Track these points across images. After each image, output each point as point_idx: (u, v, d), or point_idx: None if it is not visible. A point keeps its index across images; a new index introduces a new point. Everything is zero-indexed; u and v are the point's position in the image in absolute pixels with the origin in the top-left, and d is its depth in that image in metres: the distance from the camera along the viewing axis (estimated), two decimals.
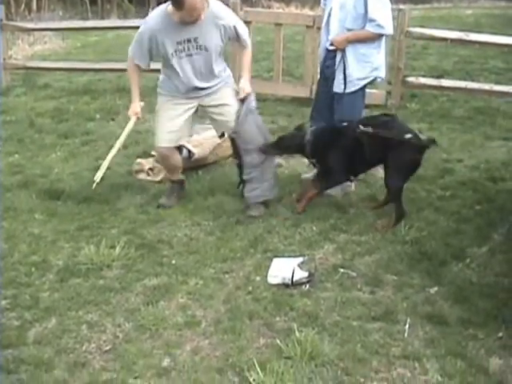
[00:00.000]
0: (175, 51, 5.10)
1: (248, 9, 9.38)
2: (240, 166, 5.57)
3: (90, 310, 4.05)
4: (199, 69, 5.23)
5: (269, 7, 23.90)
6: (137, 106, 5.41)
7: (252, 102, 5.30)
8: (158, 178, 6.10)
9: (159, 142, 5.48)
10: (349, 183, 5.61)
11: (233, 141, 5.57)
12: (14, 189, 6.02)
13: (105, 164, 5.49)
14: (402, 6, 8.96)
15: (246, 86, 5.29)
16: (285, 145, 5.39)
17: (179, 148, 6.18)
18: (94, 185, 5.42)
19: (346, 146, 5.20)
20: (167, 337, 3.78)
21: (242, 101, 5.28)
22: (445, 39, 9.13)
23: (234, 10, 9.01)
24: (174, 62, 5.16)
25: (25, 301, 4.17)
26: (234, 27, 5.19)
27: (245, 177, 5.48)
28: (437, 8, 24.85)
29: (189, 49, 5.12)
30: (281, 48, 9.16)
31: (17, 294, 4.25)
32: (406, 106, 8.88)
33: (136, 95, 5.41)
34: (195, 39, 5.08)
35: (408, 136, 4.99)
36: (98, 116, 8.60)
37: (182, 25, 4.99)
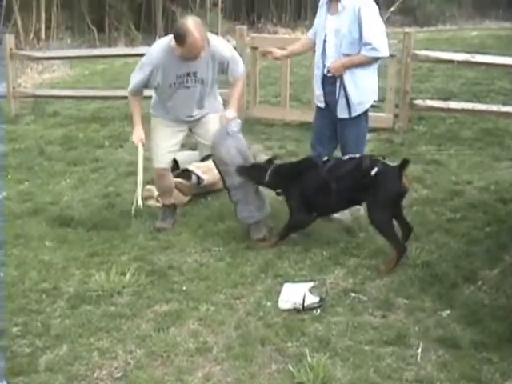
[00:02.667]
0: (174, 83, 5.22)
1: (254, 35, 9.42)
2: (227, 188, 5.58)
3: (101, 337, 4.04)
4: (193, 99, 5.35)
5: (275, 33, 24.07)
6: (140, 131, 5.48)
7: (232, 127, 5.30)
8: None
9: (157, 163, 5.57)
10: (358, 206, 5.58)
11: (215, 164, 5.60)
12: (25, 216, 6.05)
13: (138, 193, 5.52)
14: (407, 29, 8.98)
15: (228, 112, 5.34)
16: (250, 173, 5.38)
17: (188, 174, 6.23)
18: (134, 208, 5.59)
19: (306, 184, 5.19)
20: (179, 363, 3.76)
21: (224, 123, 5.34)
22: (451, 61, 9.14)
23: (241, 36, 9.12)
24: (170, 91, 5.29)
25: (36, 328, 4.16)
26: (228, 62, 5.29)
27: (232, 199, 5.52)
28: (442, 30, 24.98)
29: (187, 81, 5.23)
30: (288, 73, 9.21)
31: (28, 321, 4.24)
32: (413, 128, 8.89)
33: (138, 121, 5.49)
34: (194, 73, 5.20)
35: (374, 171, 4.87)
36: (106, 143, 8.64)
37: (184, 59, 5.08)
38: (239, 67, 5.42)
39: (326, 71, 5.48)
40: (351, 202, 5.28)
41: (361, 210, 5.61)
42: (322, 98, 5.64)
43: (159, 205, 6.05)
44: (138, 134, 5.49)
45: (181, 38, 4.88)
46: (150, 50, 5.30)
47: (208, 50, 5.09)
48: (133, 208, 5.58)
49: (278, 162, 5.61)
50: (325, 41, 5.45)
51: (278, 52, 5.91)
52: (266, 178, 5.33)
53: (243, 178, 5.35)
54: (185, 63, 5.11)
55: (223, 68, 5.31)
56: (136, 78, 5.31)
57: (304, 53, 6.31)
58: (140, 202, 5.50)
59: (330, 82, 5.49)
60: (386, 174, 4.88)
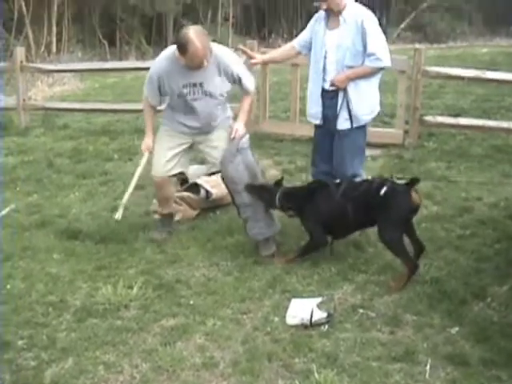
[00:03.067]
0: (181, 93, 5.23)
1: (265, 49, 9.42)
2: (236, 205, 5.55)
3: (107, 351, 4.02)
4: (201, 112, 5.34)
5: None
6: (150, 141, 5.56)
7: (243, 143, 5.31)
8: (176, 219, 6.08)
9: (154, 171, 5.60)
10: None
11: (224, 181, 5.57)
12: (32, 228, 6.04)
13: (124, 201, 5.59)
14: (417, 46, 8.97)
15: (239, 126, 5.36)
16: (259, 195, 5.37)
17: (197, 188, 6.22)
18: (116, 219, 5.56)
19: (322, 206, 5.18)
20: (185, 378, 3.74)
21: (232, 140, 5.32)
22: (461, 78, 9.13)
23: (251, 51, 9.11)
24: (180, 102, 5.32)
25: (42, 341, 4.14)
26: (238, 75, 5.29)
27: (241, 216, 5.48)
28: (452, 47, 24.99)
29: (194, 93, 5.23)
30: (298, 88, 9.21)
31: (33, 334, 4.23)
32: (423, 144, 8.85)
33: (150, 130, 5.58)
34: (201, 84, 5.20)
35: (383, 191, 4.87)
36: (116, 156, 8.66)
37: (189, 69, 5.09)
38: (249, 82, 5.43)
39: (327, 86, 5.46)
40: (365, 224, 5.24)
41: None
42: (320, 115, 5.60)
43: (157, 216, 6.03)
44: (146, 143, 5.58)
45: (182, 47, 4.90)
46: (156, 60, 5.35)
47: (213, 61, 5.10)
48: (117, 215, 5.57)
49: (285, 182, 5.61)
50: (325, 57, 5.43)
51: (257, 57, 5.88)
52: (277, 202, 5.32)
53: (253, 197, 5.34)
54: (190, 73, 5.12)
55: (234, 80, 5.31)
56: (147, 88, 5.40)
57: (284, 61, 6.34)
58: (120, 213, 5.54)
59: (330, 96, 5.47)
60: (395, 193, 4.87)
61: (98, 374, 3.80)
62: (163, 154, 5.52)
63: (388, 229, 4.92)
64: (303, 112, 9.82)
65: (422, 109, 9.11)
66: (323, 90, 5.51)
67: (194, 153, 5.89)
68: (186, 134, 5.51)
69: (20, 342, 4.13)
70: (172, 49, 5.18)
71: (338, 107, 5.42)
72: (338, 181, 5.29)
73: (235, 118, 5.55)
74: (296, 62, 9.12)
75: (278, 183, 5.50)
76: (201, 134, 5.50)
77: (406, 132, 8.81)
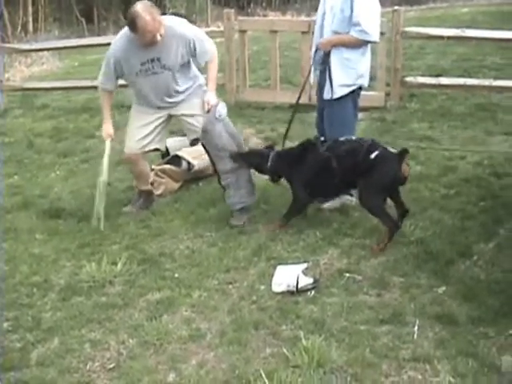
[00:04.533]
0: (140, 71, 5.21)
1: (242, 18, 9.32)
2: (217, 173, 5.54)
3: (93, 329, 3.99)
4: (164, 86, 5.35)
5: (264, 16, 23.96)
6: (109, 127, 5.54)
7: (219, 111, 5.25)
8: (159, 192, 6.04)
9: (126, 148, 5.61)
10: (349, 197, 5.50)
11: (205, 148, 5.54)
12: (14, 210, 5.98)
13: (101, 208, 5.44)
14: (396, 7, 8.88)
15: (210, 98, 5.29)
16: (249, 160, 5.35)
17: (179, 160, 6.17)
18: (102, 225, 5.41)
19: (309, 168, 5.11)
20: (172, 351, 3.72)
21: (209, 112, 5.26)
22: (441, 37, 9.06)
23: (228, 20, 9.02)
24: (139, 80, 5.29)
25: (27, 322, 4.11)
26: (194, 43, 5.23)
27: (222, 183, 5.47)
28: (432, 8, 24.87)
29: (153, 67, 5.22)
30: (277, 55, 9.12)
31: (19, 315, 4.19)
32: (405, 106, 8.81)
33: (107, 116, 5.56)
34: (158, 59, 5.17)
35: (374, 155, 4.82)
36: (97, 133, 8.51)
37: (144, 46, 5.05)
38: (207, 48, 5.34)
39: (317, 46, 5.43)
40: (351, 185, 5.15)
41: (353, 201, 5.51)
42: (318, 78, 5.60)
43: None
44: (106, 130, 5.56)
45: (131, 23, 4.89)
46: (112, 42, 5.30)
47: (167, 34, 5.05)
48: (98, 223, 5.43)
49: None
50: (323, 19, 5.40)
51: None
52: (269, 164, 5.27)
53: (240, 165, 5.29)
54: (147, 50, 5.09)
55: (191, 52, 5.25)
56: (102, 72, 5.38)
57: None
58: (102, 222, 5.41)
59: (321, 60, 5.44)
60: (386, 159, 4.84)
61: (84, 352, 3.77)
62: (137, 132, 5.52)
63: (370, 194, 4.88)
64: (284, 79, 9.83)
65: (403, 70, 9.05)
66: (316, 52, 5.48)
67: (171, 127, 5.88)
68: (158, 109, 5.49)
69: (5, 324, 4.09)
70: (125, 29, 5.13)
71: (326, 74, 5.37)
72: (322, 139, 5.28)
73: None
74: (274, 29, 9.06)
75: (270, 147, 5.47)
76: (172, 107, 5.50)
77: (387, 94, 8.76)
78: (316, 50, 5.49)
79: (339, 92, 5.36)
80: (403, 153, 4.84)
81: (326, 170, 5.00)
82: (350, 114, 5.54)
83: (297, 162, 5.18)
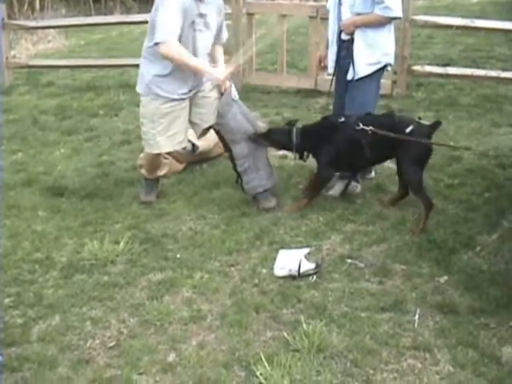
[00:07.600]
0: (192, 23, 4.89)
1: (250, 0, 9.26)
2: (232, 159, 5.44)
3: (94, 307, 4.00)
4: (205, 47, 5.09)
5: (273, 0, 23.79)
6: (213, 69, 5.15)
7: (232, 93, 5.23)
8: (162, 173, 6.01)
9: (162, 149, 5.22)
10: (355, 184, 5.50)
11: (219, 134, 5.47)
12: (18, 187, 5.96)
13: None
14: None
15: (224, 75, 5.12)
16: (272, 138, 5.31)
17: None
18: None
19: (338, 144, 5.09)
20: (172, 332, 3.73)
21: (222, 94, 5.22)
22: (449, 26, 9.02)
23: (236, 3, 8.97)
24: (188, 35, 4.90)
25: (28, 298, 4.12)
26: (222, 23, 5.22)
27: (239, 169, 5.37)
28: None
29: (200, 24, 4.96)
30: (284, 40, 9.09)
31: (20, 291, 4.20)
32: (411, 95, 8.79)
33: (204, 63, 5.07)
34: (204, 16, 4.97)
35: (410, 128, 4.85)
36: (101, 112, 8.53)
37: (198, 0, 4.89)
38: (225, 34, 5.35)
39: (340, 32, 5.36)
40: (383, 158, 5.27)
41: (358, 187, 5.51)
42: (333, 63, 5.52)
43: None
44: (216, 73, 5.14)
45: None
46: None
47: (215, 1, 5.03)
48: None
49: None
50: (340, 4, 5.33)
51: None
52: (294, 140, 5.22)
53: (261, 145, 5.28)
54: (199, 3, 4.89)
55: (219, 22, 5.17)
56: (171, 22, 4.76)
57: None
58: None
59: (345, 45, 5.36)
60: (421, 133, 4.88)
61: (84, 330, 3.78)
62: (169, 129, 5.13)
63: (412, 169, 4.97)
64: (291, 64, 9.81)
65: (411, 59, 9.02)
66: (339, 39, 5.41)
67: None
68: (184, 96, 5.11)
69: (7, 300, 4.09)
70: None
71: (349, 58, 5.33)
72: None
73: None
74: (282, 13, 9.01)
75: (291, 123, 5.40)
76: (196, 93, 5.20)
77: (394, 82, 8.71)
78: (339, 34, 5.40)
79: (364, 71, 5.31)
80: (436, 125, 4.93)
81: (357, 145, 4.99)
82: (373, 95, 5.52)
83: (326, 138, 5.15)
